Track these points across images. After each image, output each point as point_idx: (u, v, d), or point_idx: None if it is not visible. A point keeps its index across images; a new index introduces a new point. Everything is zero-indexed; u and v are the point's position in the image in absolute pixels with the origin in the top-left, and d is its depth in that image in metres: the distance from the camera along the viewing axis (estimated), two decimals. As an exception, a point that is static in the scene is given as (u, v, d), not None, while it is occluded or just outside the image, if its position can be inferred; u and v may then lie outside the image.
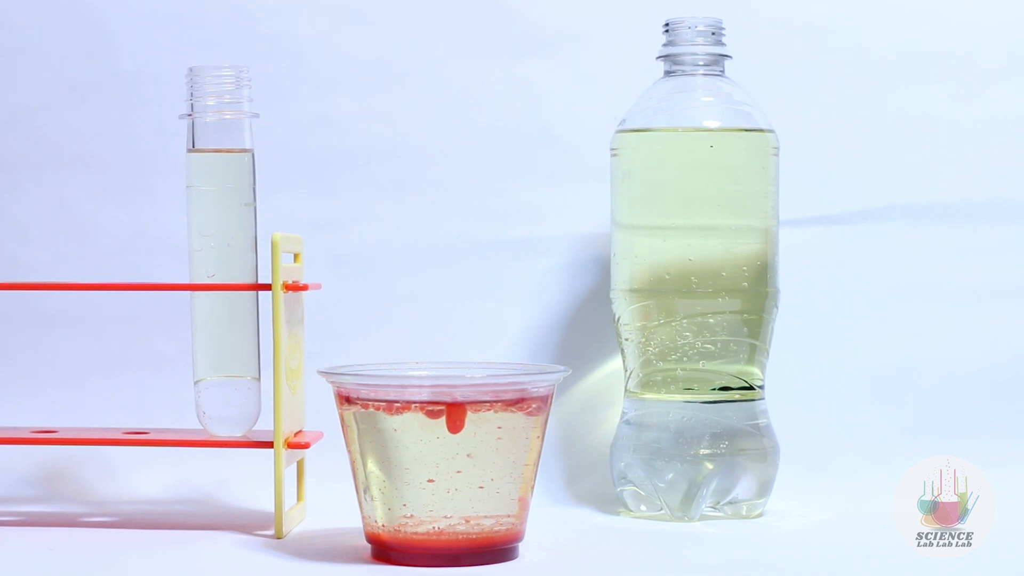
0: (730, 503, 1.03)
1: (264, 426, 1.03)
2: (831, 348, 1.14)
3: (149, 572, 0.91)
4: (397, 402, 0.90)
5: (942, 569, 0.89)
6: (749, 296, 1.03)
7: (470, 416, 0.89)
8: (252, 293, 1.02)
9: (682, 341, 1.03)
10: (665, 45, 1.05)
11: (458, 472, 0.89)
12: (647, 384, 1.04)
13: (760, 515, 1.04)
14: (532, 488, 0.92)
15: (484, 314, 1.15)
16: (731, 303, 1.03)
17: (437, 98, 1.17)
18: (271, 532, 1.00)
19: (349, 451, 0.93)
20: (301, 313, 1.04)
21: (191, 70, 1.01)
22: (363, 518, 0.93)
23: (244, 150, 1.02)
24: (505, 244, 1.16)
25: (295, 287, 1.01)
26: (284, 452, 0.98)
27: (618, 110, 1.07)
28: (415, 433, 0.89)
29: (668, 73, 1.05)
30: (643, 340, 1.04)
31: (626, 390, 1.06)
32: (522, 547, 0.93)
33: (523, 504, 0.92)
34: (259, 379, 1.03)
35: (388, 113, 1.17)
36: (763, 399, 1.04)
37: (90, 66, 1.17)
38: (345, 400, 0.92)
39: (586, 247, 1.15)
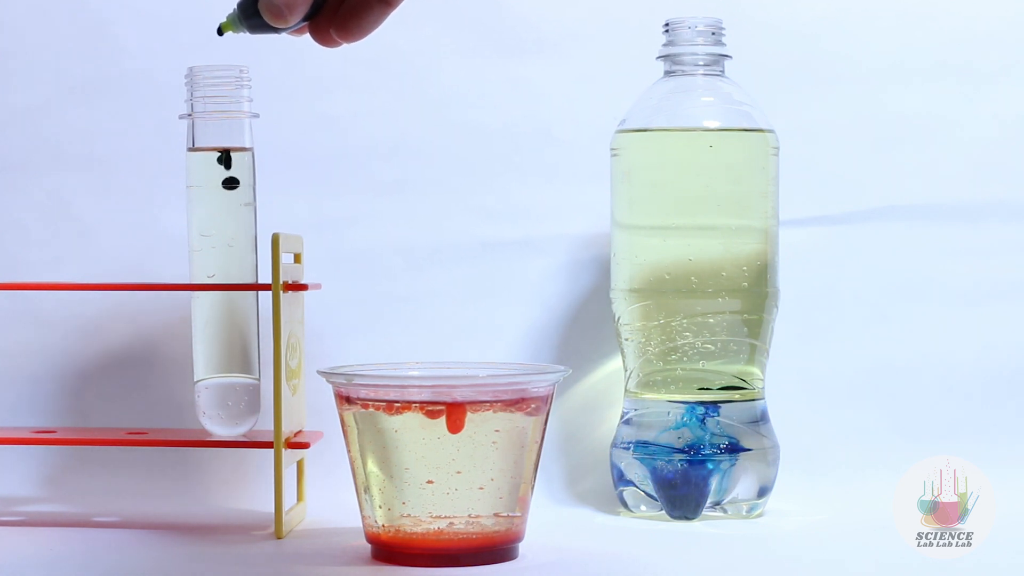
0: (730, 503, 1.03)
1: (264, 426, 1.03)
2: (831, 348, 1.14)
3: (150, 572, 0.91)
4: (397, 402, 0.90)
5: (942, 569, 0.89)
6: (749, 296, 1.03)
7: (470, 416, 0.89)
8: (252, 293, 1.02)
9: (682, 341, 1.03)
10: (665, 45, 1.05)
11: (458, 472, 0.89)
12: (647, 384, 1.04)
13: (760, 515, 1.04)
14: (532, 488, 0.92)
15: (484, 314, 1.15)
16: (731, 303, 1.03)
17: (437, 98, 1.17)
18: (271, 532, 1.00)
19: (349, 451, 0.92)
20: (301, 313, 1.04)
21: (191, 70, 1.01)
22: (363, 518, 0.93)
23: (244, 150, 1.02)
24: (505, 244, 1.16)
25: (295, 287, 1.01)
26: (284, 452, 0.98)
27: (618, 110, 1.07)
28: (415, 433, 0.89)
29: (668, 73, 1.05)
30: (643, 340, 1.04)
31: (626, 390, 1.06)
32: (522, 547, 0.93)
33: (523, 504, 0.92)
34: (259, 379, 1.03)
35: (388, 113, 1.17)
36: (763, 399, 1.04)
37: (90, 66, 1.17)
38: (345, 400, 0.92)
39: (586, 247, 1.15)
